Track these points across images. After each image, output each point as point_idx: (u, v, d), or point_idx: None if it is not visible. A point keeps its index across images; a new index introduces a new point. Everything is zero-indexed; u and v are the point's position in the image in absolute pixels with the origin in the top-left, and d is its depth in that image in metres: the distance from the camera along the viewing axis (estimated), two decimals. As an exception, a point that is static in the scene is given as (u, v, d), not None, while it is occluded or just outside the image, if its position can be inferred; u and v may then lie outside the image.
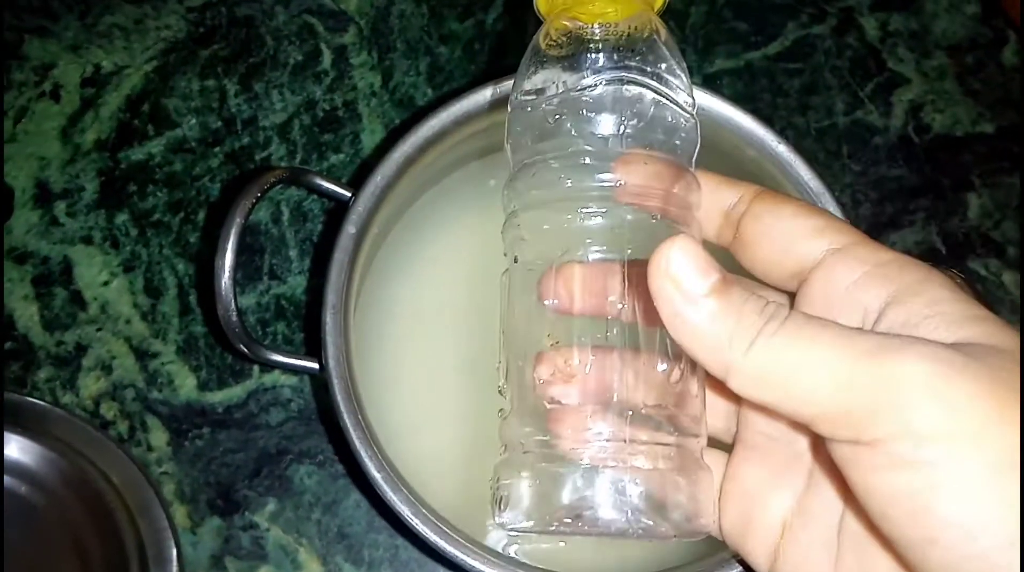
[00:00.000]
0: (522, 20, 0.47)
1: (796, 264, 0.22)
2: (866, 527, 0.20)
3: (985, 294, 0.44)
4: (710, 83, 0.39)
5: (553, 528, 0.21)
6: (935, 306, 0.20)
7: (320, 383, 0.38)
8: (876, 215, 0.45)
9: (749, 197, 0.23)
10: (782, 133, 0.37)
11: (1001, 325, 0.19)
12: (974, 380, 0.17)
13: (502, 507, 0.22)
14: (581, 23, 0.23)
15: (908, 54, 0.48)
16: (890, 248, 0.22)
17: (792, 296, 0.23)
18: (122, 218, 0.43)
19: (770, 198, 0.23)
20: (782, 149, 0.36)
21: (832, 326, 0.19)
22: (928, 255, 0.45)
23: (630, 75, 0.23)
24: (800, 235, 0.22)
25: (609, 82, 0.22)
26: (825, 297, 0.22)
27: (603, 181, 0.22)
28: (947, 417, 0.17)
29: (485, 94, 0.37)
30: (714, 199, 0.24)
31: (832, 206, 0.36)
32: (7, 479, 0.38)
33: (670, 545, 0.38)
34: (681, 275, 0.19)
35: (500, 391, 0.24)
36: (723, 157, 0.39)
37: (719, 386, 0.20)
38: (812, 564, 0.21)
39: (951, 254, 0.45)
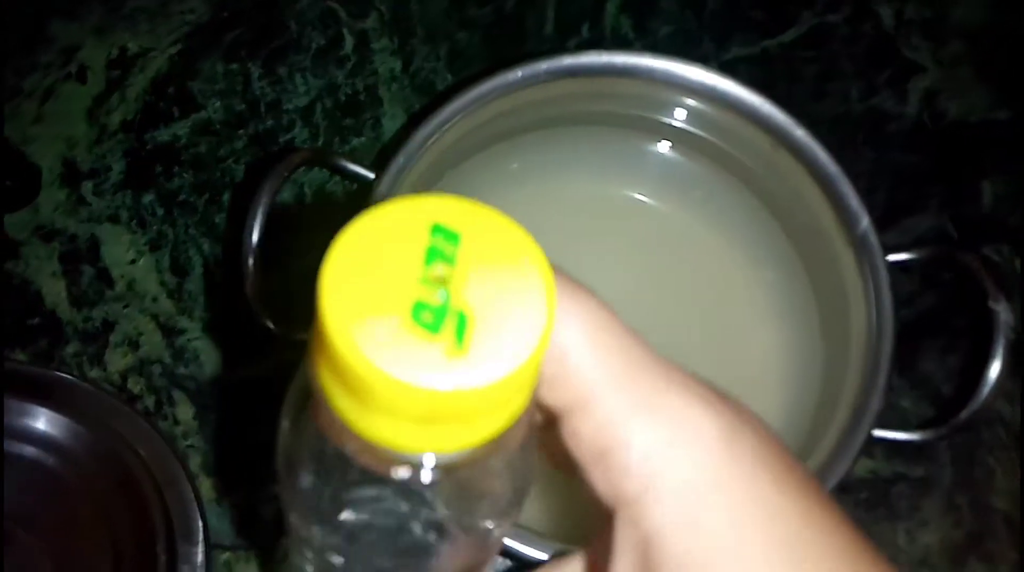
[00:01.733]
0: (541, 5, 0.48)
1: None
2: None
3: (998, 280, 0.44)
4: (727, 70, 0.40)
5: None
6: (659, 538, 0.17)
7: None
8: (890, 201, 0.46)
9: None
10: (798, 120, 0.37)
11: None
12: None
13: None
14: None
15: (923, 41, 0.48)
16: (632, 390, 0.17)
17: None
18: (148, 198, 0.44)
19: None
20: (800, 134, 0.37)
21: None
22: (942, 241, 0.45)
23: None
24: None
25: None
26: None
27: None
28: None
29: (506, 77, 0.37)
30: None
31: (849, 190, 0.37)
32: (36, 451, 0.39)
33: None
34: None
35: None
36: (739, 143, 0.40)
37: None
38: None
39: (964, 240, 0.46)
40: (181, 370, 0.42)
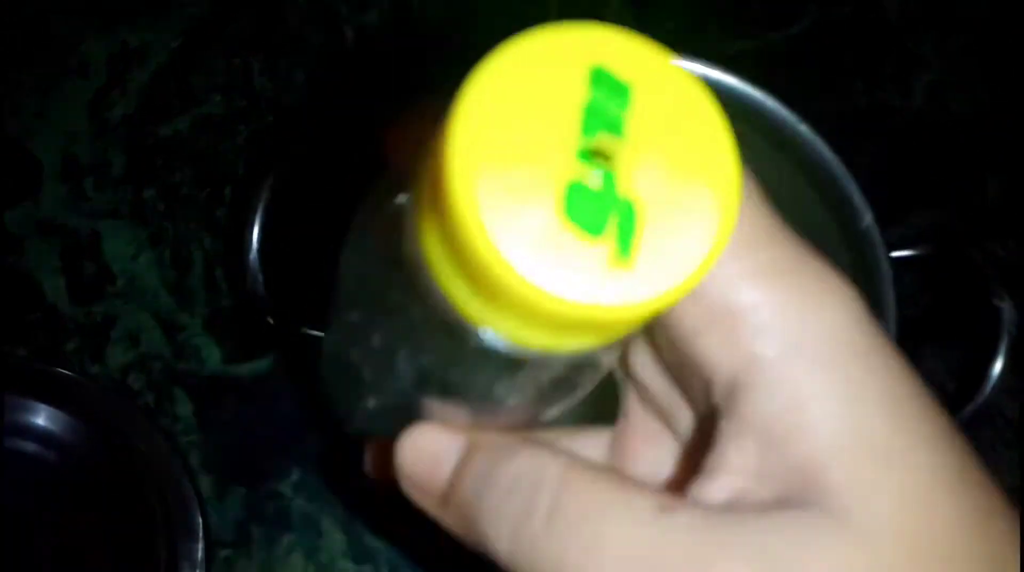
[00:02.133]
0: (543, 1, 0.48)
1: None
2: None
3: (1002, 277, 0.44)
4: (730, 64, 0.39)
5: None
6: (803, 407, 0.14)
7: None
8: (894, 196, 0.46)
9: None
10: (801, 114, 0.37)
11: (899, 468, 0.13)
12: None
13: None
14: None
15: (928, 36, 0.48)
16: (779, 255, 0.15)
17: None
18: (149, 193, 0.44)
19: None
20: (803, 129, 0.36)
21: (624, 512, 0.13)
22: (946, 237, 0.45)
23: None
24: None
25: None
26: (672, 342, 0.16)
27: None
28: None
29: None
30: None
31: (851, 186, 0.36)
32: (36, 447, 0.39)
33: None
34: (414, 475, 0.16)
35: None
36: (741, 138, 0.39)
37: None
38: None
39: (969, 235, 0.45)
40: (182, 366, 0.42)
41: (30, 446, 0.38)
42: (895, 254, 0.37)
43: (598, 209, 0.10)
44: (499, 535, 0.14)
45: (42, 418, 0.39)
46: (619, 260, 0.10)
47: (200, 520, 0.38)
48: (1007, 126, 0.47)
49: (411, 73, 0.46)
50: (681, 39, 0.47)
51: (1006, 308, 0.36)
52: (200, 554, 0.38)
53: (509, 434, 0.16)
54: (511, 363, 0.13)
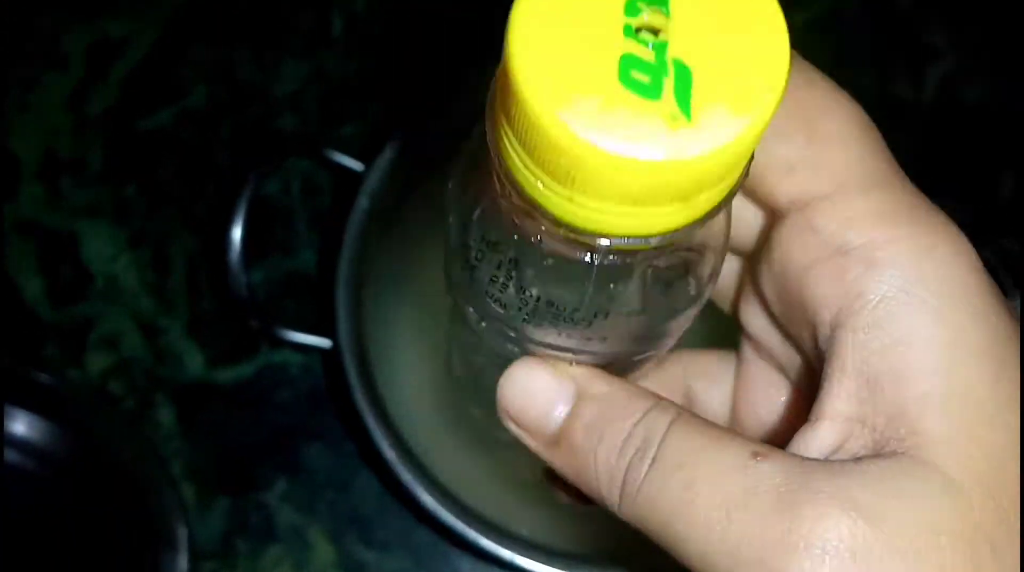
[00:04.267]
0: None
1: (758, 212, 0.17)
2: None
3: (1016, 274, 0.42)
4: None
5: None
6: (906, 354, 0.14)
7: (332, 361, 0.37)
8: (906, 192, 0.44)
9: None
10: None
11: (986, 426, 0.13)
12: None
13: None
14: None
15: (941, 26, 0.47)
16: (888, 201, 0.15)
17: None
18: (130, 190, 0.43)
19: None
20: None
21: (717, 458, 0.14)
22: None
23: None
24: (769, 170, 0.16)
25: None
26: (780, 280, 0.16)
27: None
28: None
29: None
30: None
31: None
32: (15, 455, 0.38)
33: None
34: (522, 418, 0.16)
35: None
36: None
37: None
38: None
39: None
40: (163, 371, 0.40)
41: (8, 454, 0.37)
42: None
43: (653, 75, 0.11)
44: (609, 487, 0.15)
45: (20, 425, 0.38)
46: (680, 119, 0.11)
47: (184, 530, 0.37)
48: (1021, 120, 0.46)
49: (403, 60, 0.45)
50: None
51: (1019, 307, 0.34)
52: (184, 565, 0.37)
53: (618, 379, 0.16)
54: (611, 269, 0.14)
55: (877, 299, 0.14)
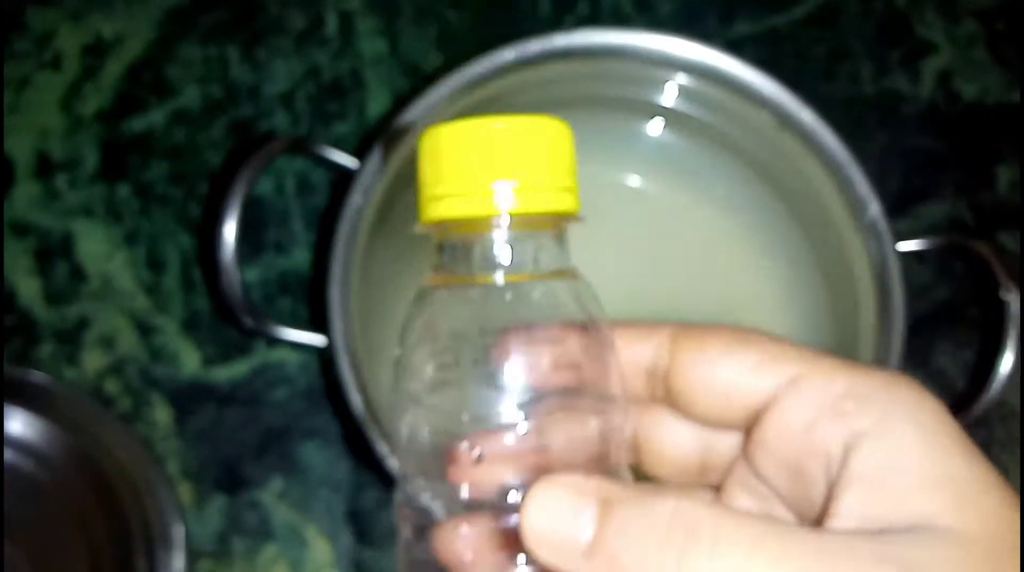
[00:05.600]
0: (535, -16, 0.46)
1: (743, 408, 0.20)
2: None
3: (1012, 269, 0.42)
4: (733, 49, 0.38)
5: None
6: (898, 457, 0.17)
7: (326, 359, 0.37)
8: (903, 187, 0.44)
9: (666, 345, 0.21)
10: (807, 101, 0.35)
11: (965, 490, 0.17)
12: None
13: None
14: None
15: (937, 20, 0.46)
16: (848, 366, 0.19)
17: (747, 434, 0.20)
18: (124, 190, 0.42)
19: (690, 342, 0.20)
20: (806, 115, 0.35)
21: (765, 535, 0.16)
22: (956, 228, 0.43)
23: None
24: (738, 377, 0.20)
25: None
26: (784, 441, 0.19)
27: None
28: None
29: (494, 60, 0.35)
30: (630, 357, 0.21)
31: (857, 175, 0.35)
32: (12, 455, 0.38)
33: None
34: (552, 534, 0.17)
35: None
36: (744, 125, 0.38)
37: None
38: None
39: (980, 227, 0.44)
40: (158, 370, 0.40)
41: (4, 454, 0.37)
42: (902, 246, 0.35)
43: None
44: None
45: (17, 424, 0.38)
46: None
47: (179, 529, 0.37)
48: (1018, 114, 0.45)
49: (397, 58, 0.44)
50: (680, 23, 0.46)
51: (1013, 301, 0.34)
52: (180, 565, 0.37)
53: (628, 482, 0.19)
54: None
55: (872, 422, 0.18)
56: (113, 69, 0.44)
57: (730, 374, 0.20)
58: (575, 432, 0.19)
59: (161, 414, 0.40)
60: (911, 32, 0.46)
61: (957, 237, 0.39)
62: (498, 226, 0.19)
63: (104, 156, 0.43)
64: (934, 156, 0.45)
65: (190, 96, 0.43)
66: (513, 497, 0.19)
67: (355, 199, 0.34)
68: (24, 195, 0.42)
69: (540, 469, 0.18)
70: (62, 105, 0.43)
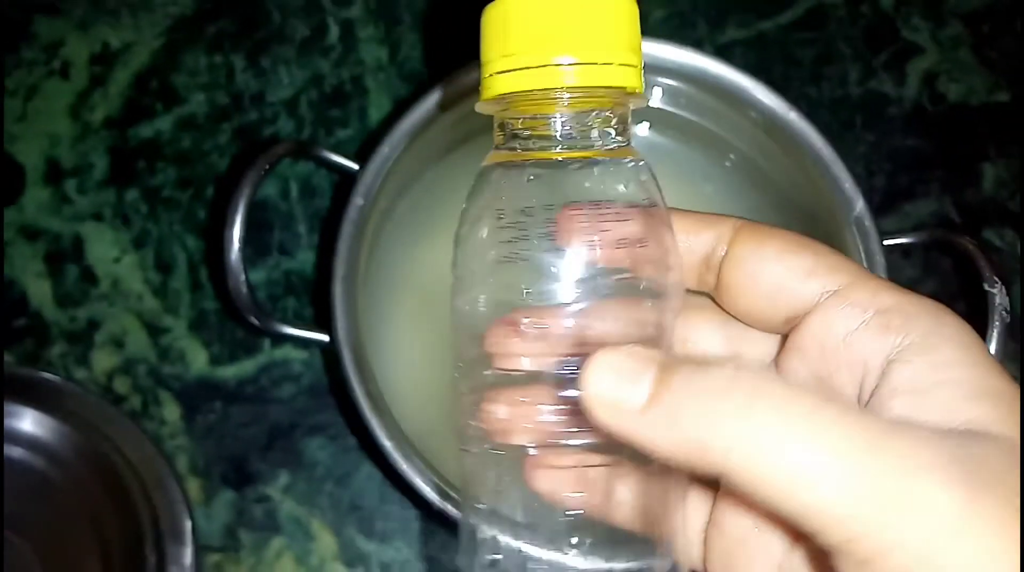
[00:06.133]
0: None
1: (787, 310, 0.20)
2: None
3: (1001, 264, 0.43)
4: (722, 54, 0.39)
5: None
6: (945, 371, 0.18)
7: (330, 357, 0.38)
8: (890, 185, 0.45)
9: (728, 236, 0.21)
10: (795, 103, 0.36)
11: (1011, 404, 0.17)
12: (999, 510, 0.15)
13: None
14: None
15: (923, 23, 0.47)
16: (893, 286, 0.19)
17: (784, 338, 0.21)
18: (132, 195, 0.43)
19: (751, 237, 0.21)
20: (792, 116, 0.36)
21: (826, 402, 0.16)
22: (943, 225, 0.44)
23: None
24: (788, 278, 0.20)
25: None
26: (820, 349, 0.20)
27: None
28: (975, 560, 0.15)
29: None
30: (690, 243, 0.21)
31: (843, 173, 0.36)
32: (23, 453, 0.38)
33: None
34: (611, 395, 0.17)
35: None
36: (732, 127, 0.39)
37: None
38: None
39: (966, 224, 0.45)
40: (167, 369, 0.41)
41: (17, 451, 0.38)
42: (888, 242, 0.36)
43: None
44: (719, 430, 0.16)
45: (28, 423, 0.38)
46: None
47: (189, 524, 0.38)
48: (1003, 114, 0.46)
49: (397, 65, 0.45)
50: (671, 28, 0.47)
51: (998, 294, 0.35)
52: (188, 559, 0.38)
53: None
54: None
55: (919, 337, 0.18)
56: (120, 77, 0.45)
57: (781, 275, 0.20)
58: (632, 312, 0.20)
59: (169, 412, 0.41)
60: (897, 35, 0.47)
61: (940, 232, 0.40)
62: (560, 101, 0.19)
63: (112, 162, 0.44)
64: (920, 155, 0.45)
65: (196, 103, 0.45)
66: (570, 369, 0.19)
67: (357, 201, 0.35)
68: (35, 200, 0.43)
69: (597, 345, 0.18)
70: (71, 113, 0.44)
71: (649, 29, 0.47)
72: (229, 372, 0.41)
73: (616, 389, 0.17)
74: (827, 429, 0.15)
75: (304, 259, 0.43)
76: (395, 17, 0.46)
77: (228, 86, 0.45)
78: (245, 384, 0.41)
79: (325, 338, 0.35)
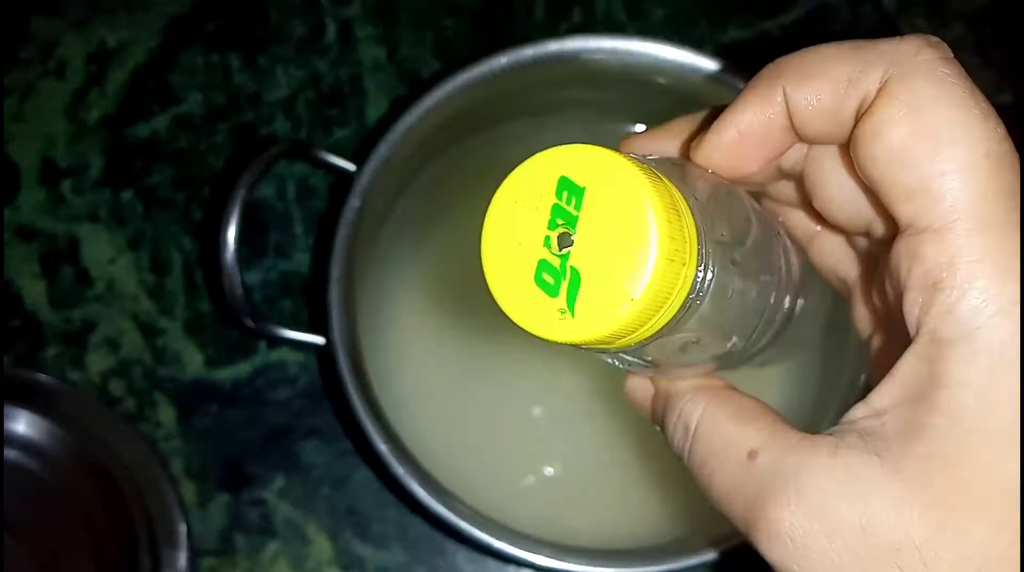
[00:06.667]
0: (530, -7, 0.47)
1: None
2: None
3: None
4: (724, 54, 0.39)
5: None
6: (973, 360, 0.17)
7: (326, 359, 0.38)
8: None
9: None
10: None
11: None
12: None
13: None
14: None
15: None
16: (994, 240, 0.17)
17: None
18: (128, 195, 0.43)
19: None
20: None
21: (728, 453, 0.20)
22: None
23: None
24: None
25: None
26: (885, 286, 0.19)
27: None
28: None
29: (490, 65, 0.36)
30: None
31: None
32: (17, 455, 0.38)
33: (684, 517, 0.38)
34: (638, 404, 0.23)
35: None
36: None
37: None
38: None
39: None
40: (162, 371, 0.41)
41: (11, 453, 0.38)
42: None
43: (556, 278, 0.17)
44: (676, 442, 0.21)
45: (22, 425, 0.38)
46: (566, 315, 0.17)
47: (183, 528, 0.38)
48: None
49: (395, 64, 0.45)
50: (673, 29, 0.46)
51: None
52: (183, 562, 0.38)
53: (692, 377, 0.22)
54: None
55: (969, 330, 0.17)
56: (117, 77, 0.45)
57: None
58: None
59: (165, 414, 0.41)
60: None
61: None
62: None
63: (108, 162, 0.44)
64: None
65: (193, 103, 0.44)
66: None
67: (354, 202, 0.35)
68: (30, 201, 0.43)
69: None
70: (67, 112, 0.44)
71: (649, 29, 0.46)
72: (225, 374, 0.41)
73: (638, 403, 0.24)
74: None
75: (300, 260, 0.43)
76: (393, 16, 0.46)
77: (225, 85, 0.45)
78: (241, 386, 0.41)
79: (321, 340, 0.35)
